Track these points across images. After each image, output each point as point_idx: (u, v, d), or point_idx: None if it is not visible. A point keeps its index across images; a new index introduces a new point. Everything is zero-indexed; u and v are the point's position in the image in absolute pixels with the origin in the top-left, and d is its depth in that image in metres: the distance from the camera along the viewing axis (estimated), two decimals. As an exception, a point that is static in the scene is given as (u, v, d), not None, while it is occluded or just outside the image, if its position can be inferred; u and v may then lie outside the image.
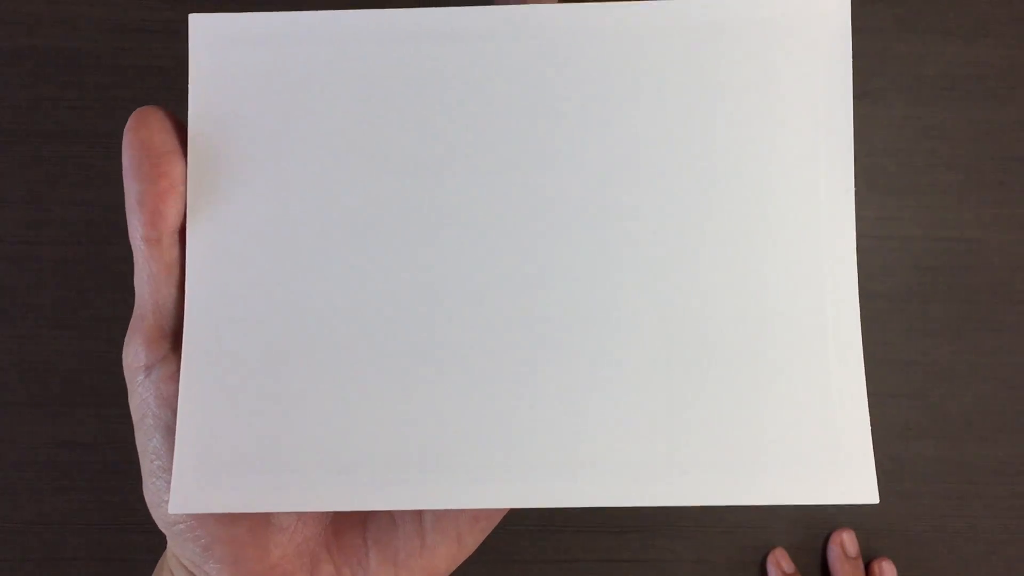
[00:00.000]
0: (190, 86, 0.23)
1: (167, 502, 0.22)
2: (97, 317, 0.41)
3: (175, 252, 0.23)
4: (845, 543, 0.42)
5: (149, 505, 0.23)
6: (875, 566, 0.42)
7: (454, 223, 0.23)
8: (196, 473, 0.22)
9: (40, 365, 0.41)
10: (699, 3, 0.23)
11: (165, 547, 0.27)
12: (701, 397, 0.22)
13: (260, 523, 0.23)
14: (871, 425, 0.24)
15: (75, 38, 0.41)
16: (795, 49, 0.23)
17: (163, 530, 0.23)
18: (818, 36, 0.23)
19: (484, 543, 0.41)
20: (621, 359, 0.22)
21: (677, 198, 0.23)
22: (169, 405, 0.23)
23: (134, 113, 0.22)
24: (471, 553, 0.25)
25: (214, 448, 0.22)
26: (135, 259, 0.23)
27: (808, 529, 0.42)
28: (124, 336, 0.34)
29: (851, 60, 0.22)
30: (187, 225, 0.23)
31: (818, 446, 0.22)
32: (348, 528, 0.24)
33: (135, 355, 0.23)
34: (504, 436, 0.23)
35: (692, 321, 0.22)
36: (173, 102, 0.39)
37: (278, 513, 0.23)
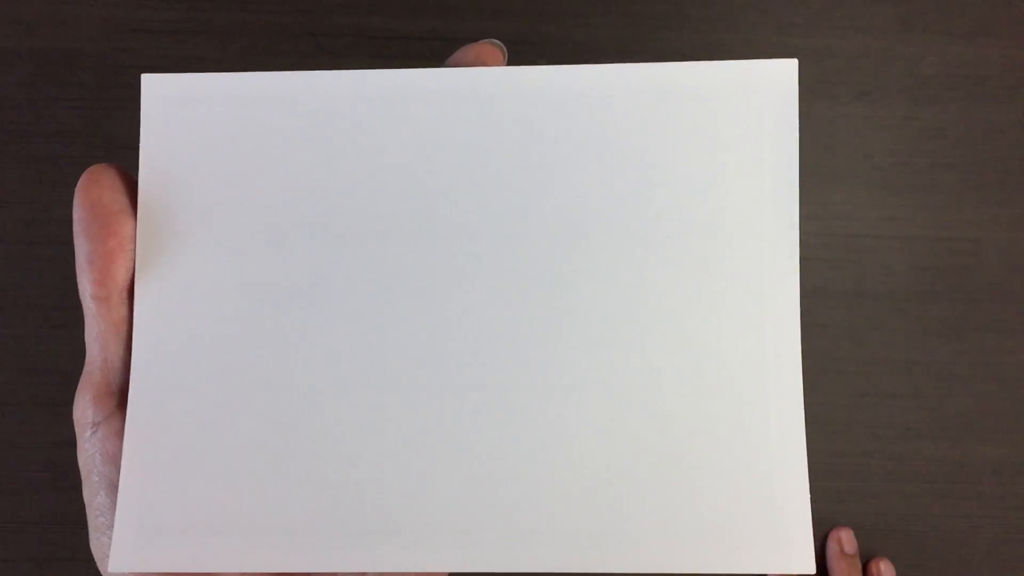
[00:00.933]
0: (141, 144, 0.23)
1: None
2: (97, 317, 0.41)
3: (123, 310, 0.23)
4: (843, 540, 0.42)
5: (95, 559, 0.23)
6: (873, 566, 0.42)
7: (397, 286, 0.23)
8: (137, 531, 0.22)
9: (40, 365, 0.41)
10: (653, 68, 0.23)
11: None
12: (641, 466, 0.22)
13: None
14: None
15: (75, 38, 0.41)
16: (744, 117, 0.23)
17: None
18: (766, 104, 0.23)
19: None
20: (564, 426, 0.23)
21: (623, 264, 0.23)
22: (114, 462, 0.23)
23: (86, 172, 0.22)
24: None
25: (155, 507, 0.22)
26: (85, 316, 0.23)
27: (808, 529, 0.42)
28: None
29: (797, 129, 0.23)
30: (135, 283, 0.23)
31: (757, 518, 0.22)
32: None
33: (83, 411, 0.23)
34: (444, 501, 0.23)
35: (636, 390, 0.23)
36: (173, 102, 0.39)
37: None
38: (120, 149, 0.41)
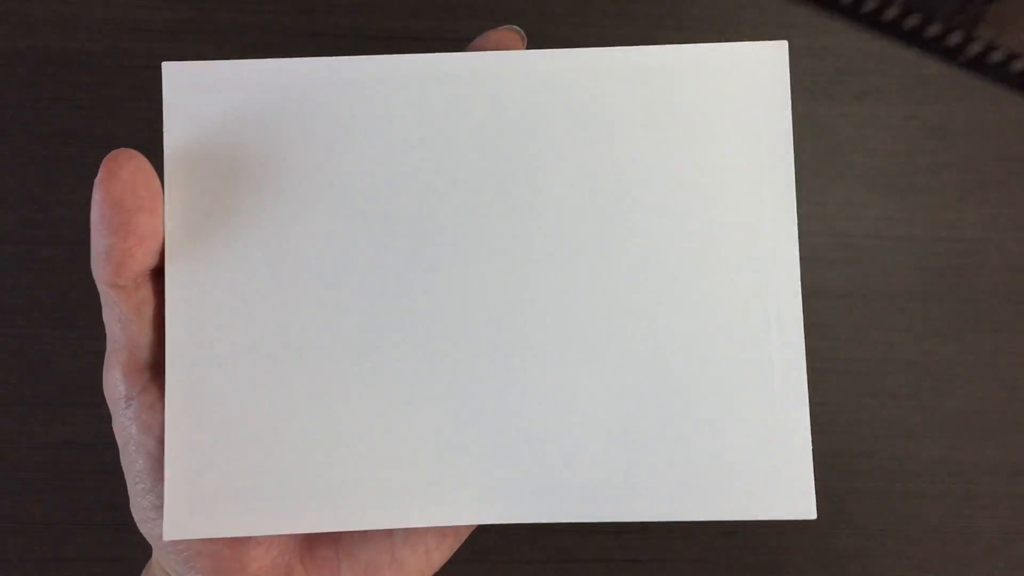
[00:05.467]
0: (165, 131, 0.24)
1: (152, 519, 0.24)
2: (97, 317, 0.40)
3: (143, 293, 0.24)
4: None
5: (136, 520, 0.24)
6: None
7: (421, 261, 0.24)
8: (186, 501, 0.23)
9: (40, 365, 0.41)
10: (650, 50, 0.24)
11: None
12: (651, 423, 0.24)
13: (239, 538, 0.24)
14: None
15: (75, 38, 0.41)
16: (738, 98, 0.24)
17: (150, 542, 0.24)
18: (758, 85, 0.24)
19: (484, 543, 0.41)
20: (580, 390, 0.24)
21: (633, 235, 0.24)
22: (150, 432, 0.24)
23: (106, 161, 0.22)
24: (439, 568, 0.27)
25: (201, 476, 0.23)
26: (103, 301, 0.24)
27: (809, 528, 0.42)
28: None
29: (789, 110, 0.24)
30: (166, 264, 0.24)
31: (761, 466, 0.23)
32: (321, 542, 0.26)
33: (114, 386, 0.24)
34: (473, 459, 0.24)
35: (646, 355, 0.24)
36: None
37: None
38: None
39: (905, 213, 0.43)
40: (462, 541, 0.27)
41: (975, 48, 0.42)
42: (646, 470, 0.24)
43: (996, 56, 0.42)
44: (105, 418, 0.41)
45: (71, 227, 0.41)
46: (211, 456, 0.23)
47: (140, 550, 0.40)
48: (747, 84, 0.24)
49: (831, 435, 0.42)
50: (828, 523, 0.42)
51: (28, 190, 0.41)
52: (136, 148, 0.22)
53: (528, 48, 0.25)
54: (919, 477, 0.42)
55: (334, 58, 0.24)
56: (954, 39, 0.42)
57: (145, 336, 0.23)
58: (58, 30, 0.41)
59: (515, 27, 0.26)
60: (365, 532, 0.25)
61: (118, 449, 0.24)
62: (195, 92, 0.24)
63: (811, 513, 0.23)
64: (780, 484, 0.23)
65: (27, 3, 0.41)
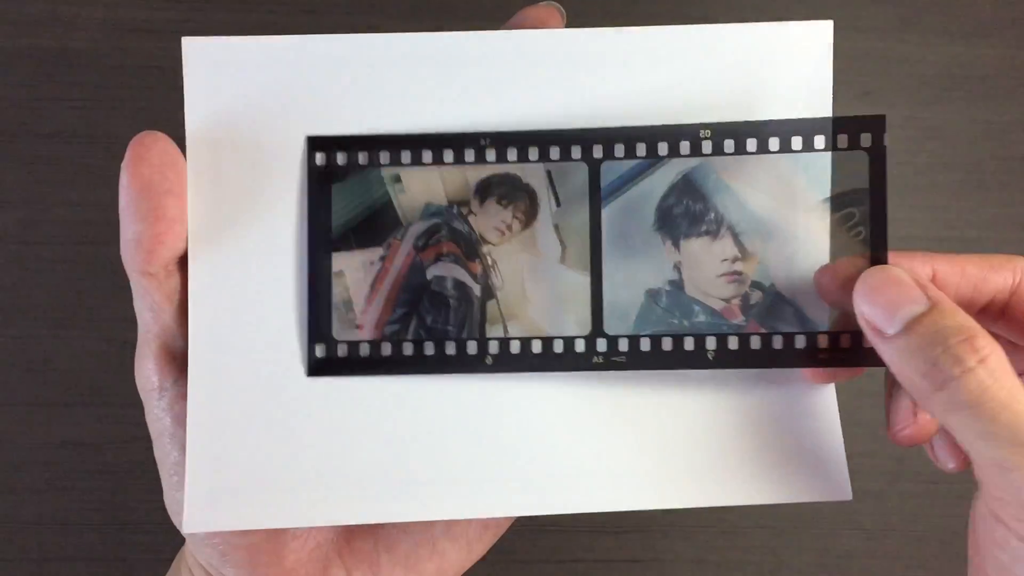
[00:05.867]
0: (186, 110, 0.23)
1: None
2: (97, 317, 0.41)
3: (174, 281, 0.23)
4: None
5: (170, 513, 0.24)
6: None
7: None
8: (208, 493, 0.23)
9: (40, 365, 0.41)
10: (693, 29, 0.24)
11: (166, 548, 0.27)
12: (689, 414, 0.24)
13: (275, 531, 0.23)
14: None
15: (75, 38, 0.41)
16: (780, 74, 0.24)
17: (183, 534, 0.24)
18: (801, 64, 0.24)
19: (484, 543, 0.41)
20: (619, 387, 0.23)
21: None
22: (184, 425, 0.23)
23: (132, 144, 0.21)
24: (480, 558, 0.26)
25: (223, 469, 0.23)
26: (133, 287, 0.23)
27: (809, 528, 0.42)
28: (124, 335, 0.35)
29: (831, 84, 0.23)
30: (189, 247, 0.23)
31: (797, 453, 0.24)
32: (359, 534, 0.25)
33: (147, 377, 0.23)
34: (507, 453, 0.23)
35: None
36: (172, 102, 0.39)
37: None
38: (121, 149, 0.41)
39: (905, 213, 0.43)
40: (502, 532, 0.26)
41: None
42: (687, 457, 0.24)
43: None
44: (105, 418, 0.41)
45: (71, 227, 0.41)
46: (234, 447, 0.23)
47: (140, 550, 0.40)
48: (791, 62, 0.24)
49: (831, 435, 0.42)
50: (828, 523, 0.42)
51: (28, 190, 0.41)
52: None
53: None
54: (919, 477, 0.42)
55: (364, 35, 0.23)
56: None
57: (177, 323, 0.23)
58: (58, 30, 0.41)
59: (554, 3, 0.25)
60: (405, 524, 0.25)
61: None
62: (216, 69, 0.23)
63: (847, 495, 0.25)
64: (816, 468, 0.24)
65: (27, 3, 0.41)
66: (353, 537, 0.25)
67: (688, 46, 0.24)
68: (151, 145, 0.21)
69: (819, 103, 0.23)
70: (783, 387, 0.24)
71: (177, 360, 0.23)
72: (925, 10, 0.43)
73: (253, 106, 0.23)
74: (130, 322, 0.24)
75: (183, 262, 0.23)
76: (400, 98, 0.23)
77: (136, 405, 0.24)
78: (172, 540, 0.25)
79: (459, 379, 0.24)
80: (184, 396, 0.23)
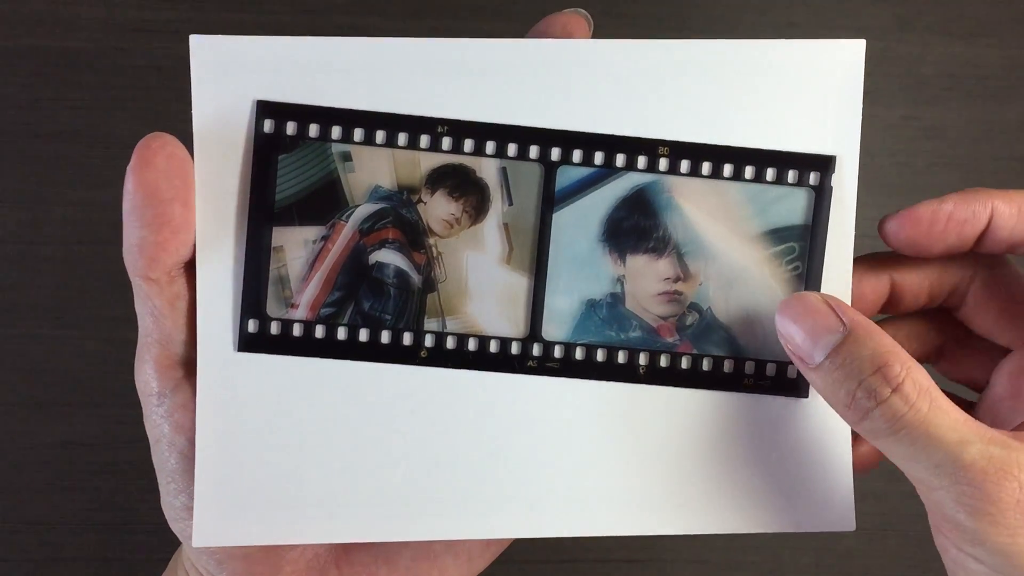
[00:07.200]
0: (194, 110, 0.23)
1: (184, 519, 0.23)
2: (97, 317, 0.41)
3: (176, 286, 0.22)
4: None
5: (168, 518, 0.24)
6: None
7: None
8: (217, 509, 0.23)
9: (40, 365, 0.41)
10: (724, 44, 0.23)
11: (165, 548, 0.27)
12: (699, 442, 0.24)
13: None
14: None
15: (75, 38, 0.41)
16: (810, 91, 0.23)
17: (181, 540, 0.24)
18: (832, 82, 0.23)
19: (484, 543, 0.41)
20: (627, 413, 0.23)
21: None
22: (183, 432, 0.23)
23: (139, 148, 0.21)
24: (480, 572, 0.26)
25: (232, 484, 0.23)
26: (136, 293, 0.22)
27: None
28: (124, 336, 0.35)
29: (861, 109, 0.23)
30: (197, 252, 0.23)
31: (803, 482, 0.24)
32: (358, 547, 0.25)
33: (147, 382, 0.23)
34: (511, 475, 0.23)
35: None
36: (173, 102, 0.39)
37: None
38: (121, 149, 0.41)
39: (905, 213, 0.43)
40: (504, 548, 0.26)
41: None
42: (694, 485, 0.24)
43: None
44: (105, 418, 0.41)
45: (71, 227, 0.41)
46: (243, 462, 0.23)
47: (140, 550, 0.40)
48: (821, 80, 0.23)
49: (831, 435, 0.42)
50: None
51: (28, 190, 0.41)
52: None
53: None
54: (919, 477, 0.42)
55: (377, 39, 0.23)
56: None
57: (179, 331, 0.22)
58: (58, 30, 0.41)
59: (581, 10, 0.24)
60: None
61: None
62: (224, 68, 0.22)
63: (851, 526, 0.24)
64: (821, 499, 0.24)
65: (28, 3, 0.41)
66: (352, 549, 0.25)
67: (716, 60, 0.23)
68: (158, 149, 0.21)
69: (847, 122, 0.23)
70: (794, 409, 0.24)
71: (177, 367, 0.23)
72: (924, 10, 0.43)
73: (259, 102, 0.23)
74: (130, 322, 0.23)
75: (187, 268, 0.23)
76: (417, 104, 0.23)
77: (136, 405, 0.24)
78: (172, 540, 0.25)
79: (458, 378, 0.23)
80: (183, 404, 0.23)
